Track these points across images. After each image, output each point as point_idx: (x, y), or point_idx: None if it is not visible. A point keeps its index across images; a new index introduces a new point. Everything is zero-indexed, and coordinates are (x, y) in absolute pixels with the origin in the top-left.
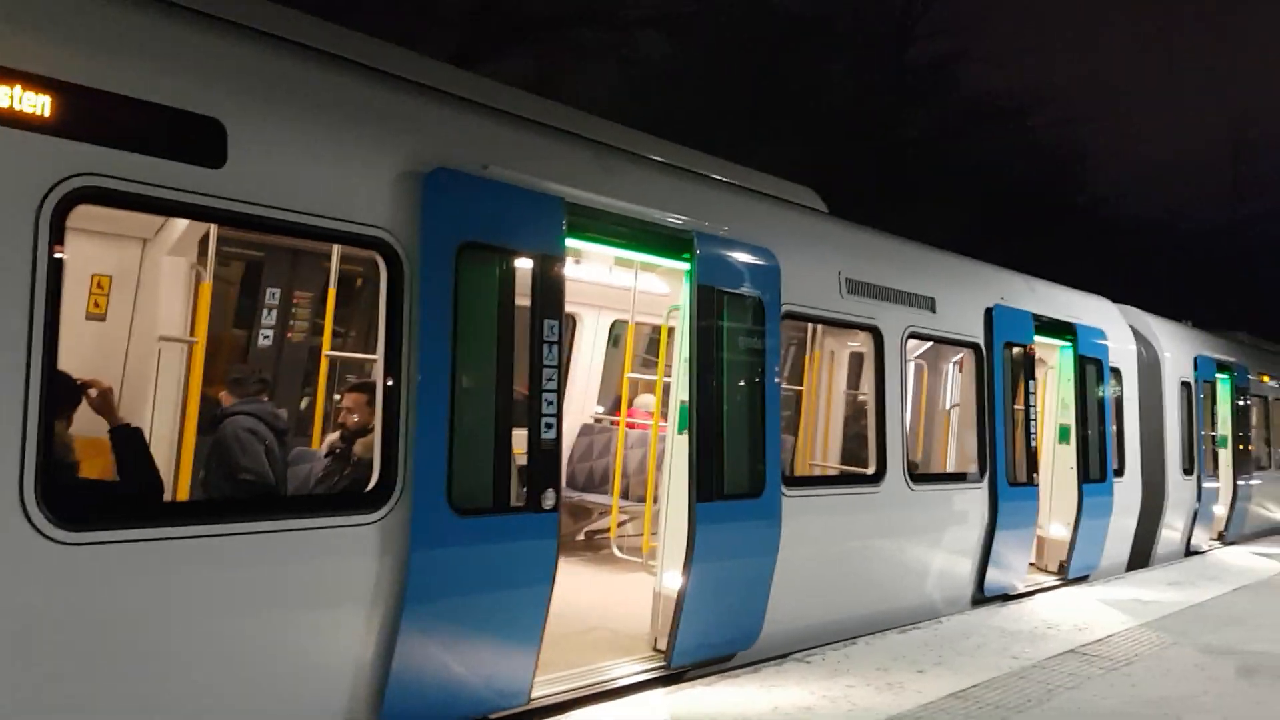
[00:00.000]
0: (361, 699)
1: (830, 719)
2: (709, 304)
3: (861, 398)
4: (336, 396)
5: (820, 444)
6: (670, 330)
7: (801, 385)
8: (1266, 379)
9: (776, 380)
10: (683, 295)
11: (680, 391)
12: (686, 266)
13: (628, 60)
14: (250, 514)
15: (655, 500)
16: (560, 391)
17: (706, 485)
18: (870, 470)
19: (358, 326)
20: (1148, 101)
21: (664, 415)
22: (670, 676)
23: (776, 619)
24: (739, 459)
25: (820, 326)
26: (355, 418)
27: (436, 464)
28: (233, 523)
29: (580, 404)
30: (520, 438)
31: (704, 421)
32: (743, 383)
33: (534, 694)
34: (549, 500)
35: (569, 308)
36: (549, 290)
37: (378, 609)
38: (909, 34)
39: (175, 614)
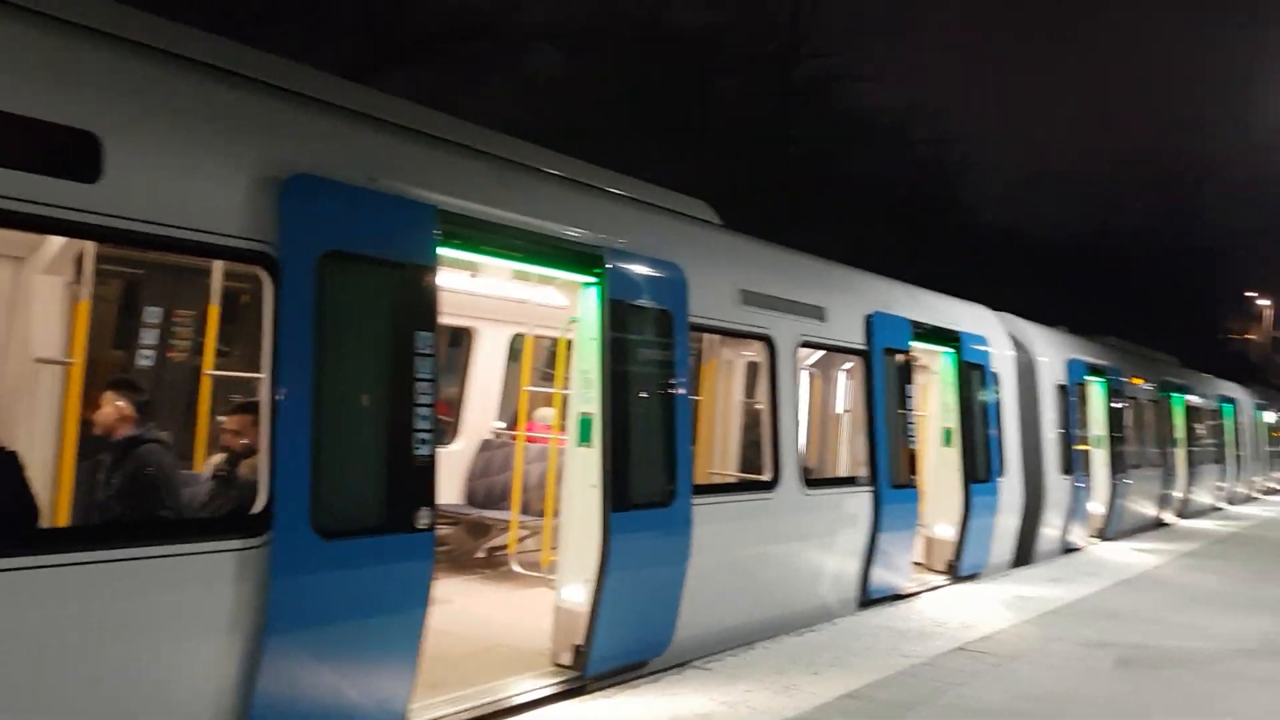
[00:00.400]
0: None
1: None
2: (621, 318)
3: (757, 406)
4: (220, 418)
5: (718, 452)
6: (569, 343)
7: (699, 395)
8: (1139, 381)
9: (685, 391)
10: (584, 308)
11: (580, 404)
12: (592, 280)
13: (521, 75)
14: (123, 540)
15: (556, 514)
16: (434, 405)
17: (621, 495)
18: (767, 477)
19: (243, 345)
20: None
21: (564, 428)
22: (570, 691)
23: (687, 625)
24: (652, 469)
25: (716, 337)
26: (241, 440)
27: (298, 485)
28: (104, 549)
29: (479, 419)
30: (392, 454)
31: (618, 433)
32: (654, 394)
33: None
34: (424, 520)
35: (466, 322)
36: (421, 301)
37: (238, 640)
38: (795, 53)
39: (45, 643)
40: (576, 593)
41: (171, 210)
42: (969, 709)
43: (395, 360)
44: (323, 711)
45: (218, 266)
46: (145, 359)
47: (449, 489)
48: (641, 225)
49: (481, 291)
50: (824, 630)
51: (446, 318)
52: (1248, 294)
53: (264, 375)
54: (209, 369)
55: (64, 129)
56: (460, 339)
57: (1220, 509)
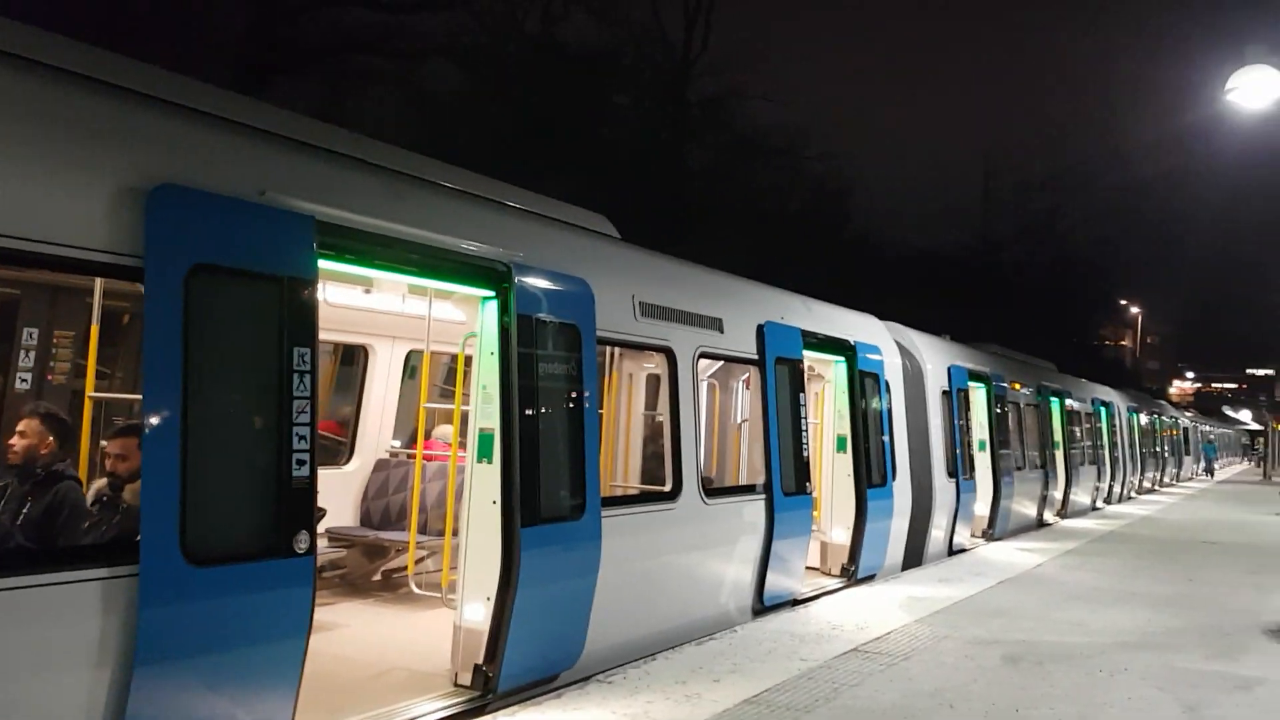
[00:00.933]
0: None
1: None
2: (526, 332)
3: (658, 417)
4: (104, 442)
5: (622, 464)
6: (468, 359)
7: (601, 408)
8: (1018, 386)
9: (594, 406)
10: (484, 323)
11: (480, 420)
12: (491, 294)
13: (417, 90)
14: None
15: (455, 533)
16: (314, 424)
17: (530, 511)
18: (668, 487)
19: (126, 366)
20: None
21: (463, 445)
22: (471, 711)
23: (596, 638)
24: (561, 483)
25: (617, 349)
26: (124, 464)
27: (166, 511)
28: None
29: (375, 438)
30: (267, 476)
31: (525, 448)
32: (562, 408)
33: None
34: (302, 544)
35: (360, 339)
36: (299, 316)
37: (106, 672)
38: (690, 71)
39: None
40: (477, 611)
41: (32, 223)
42: (863, 709)
43: (270, 378)
44: None
45: (99, 284)
46: (22, 382)
47: (343, 511)
48: (543, 239)
49: (376, 307)
50: (724, 638)
51: (339, 335)
52: (1121, 302)
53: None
54: (91, 391)
55: None
56: (354, 357)
57: (1098, 508)
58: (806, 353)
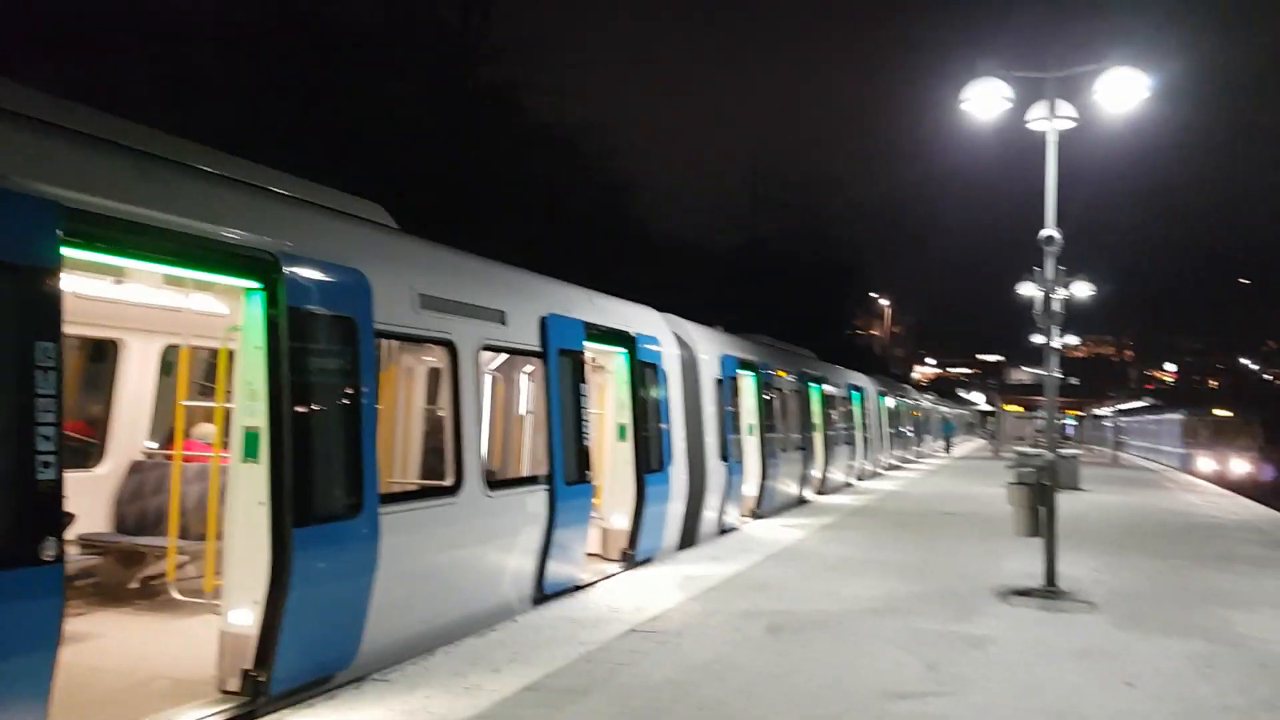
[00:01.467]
0: None
1: None
2: (297, 325)
3: (440, 412)
4: None
5: (403, 460)
6: (231, 353)
7: (379, 403)
8: (783, 374)
9: (371, 401)
10: (248, 316)
11: (245, 417)
12: (257, 285)
13: (179, 72)
14: None
15: (219, 536)
16: (59, 424)
17: (302, 511)
18: (450, 481)
19: None
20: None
21: (226, 444)
22: (240, 717)
23: (374, 636)
24: (337, 482)
25: (397, 343)
26: None
27: None
28: None
29: (129, 439)
30: (7, 480)
31: (298, 447)
32: (337, 405)
33: None
34: (49, 551)
35: (111, 333)
36: (41, 308)
37: None
38: (470, 59)
39: None
40: (245, 616)
41: None
42: (639, 686)
43: (10, 374)
44: None
45: None
46: None
47: (95, 516)
48: (315, 228)
49: (128, 299)
50: (505, 628)
51: (87, 328)
52: (871, 295)
53: None
54: None
55: None
56: (104, 352)
57: (852, 485)
58: (588, 344)
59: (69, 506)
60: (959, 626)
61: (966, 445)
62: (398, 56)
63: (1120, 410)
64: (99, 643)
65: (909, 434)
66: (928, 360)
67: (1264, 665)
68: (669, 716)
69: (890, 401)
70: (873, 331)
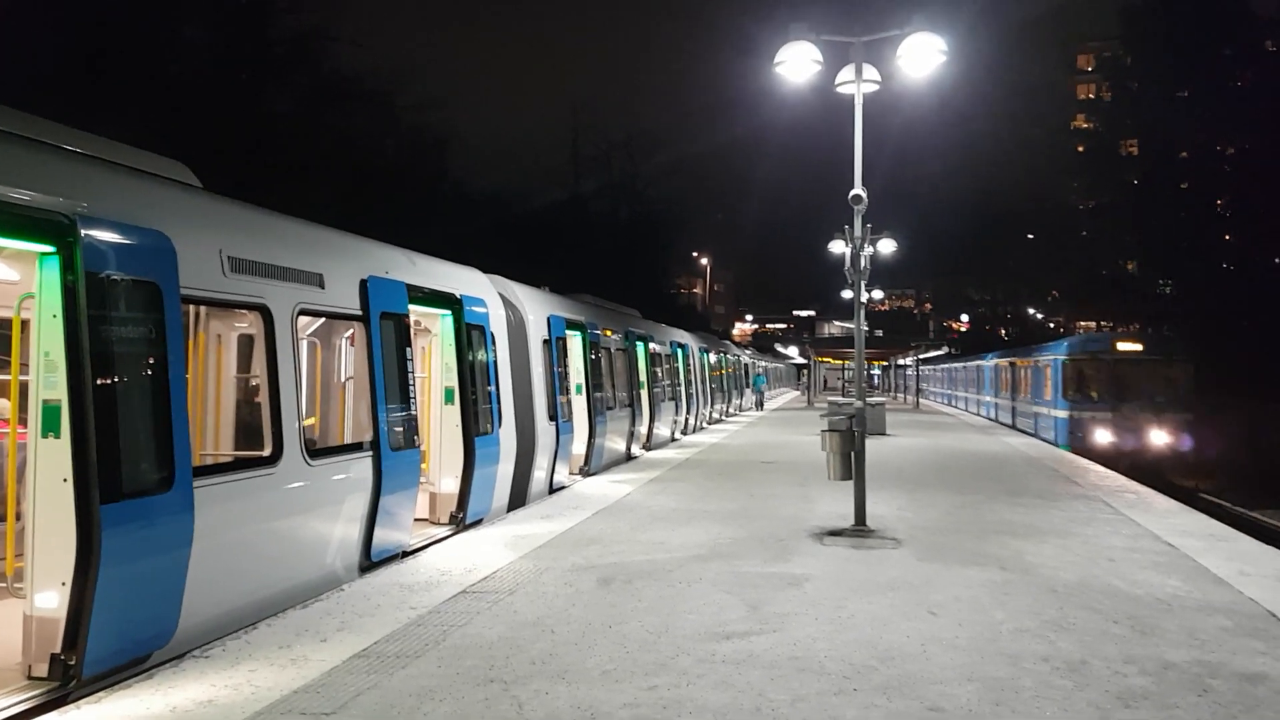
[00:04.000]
0: None
1: (231, 707)
2: (96, 292)
3: (255, 380)
4: None
5: (216, 430)
6: (24, 323)
7: (190, 372)
8: (609, 333)
9: (180, 369)
10: (44, 282)
11: (44, 390)
12: (51, 250)
13: None
14: None
15: (19, 517)
16: None
17: (110, 486)
18: (268, 451)
19: None
20: (499, 88)
21: (24, 419)
22: (51, 703)
23: (192, 612)
24: (146, 455)
25: (206, 309)
26: None
27: None
28: None
29: None
30: None
31: (103, 419)
32: (143, 375)
33: None
34: None
35: None
36: None
37: None
38: (267, 7)
39: None
40: (50, 598)
41: None
42: (471, 646)
43: None
44: None
45: None
46: None
47: None
48: (113, 188)
49: None
50: (331, 597)
51: None
52: (693, 253)
53: None
54: None
55: None
56: None
57: (677, 439)
58: (413, 307)
59: None
60: (778, 568)
61: (783, 397)
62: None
63: (921, 360)
64: None
65: (730, 388)
66: (747, 316)
67: (1053, 591)
68: (503, 673)
69: (711, 357)
70: (694, 289)
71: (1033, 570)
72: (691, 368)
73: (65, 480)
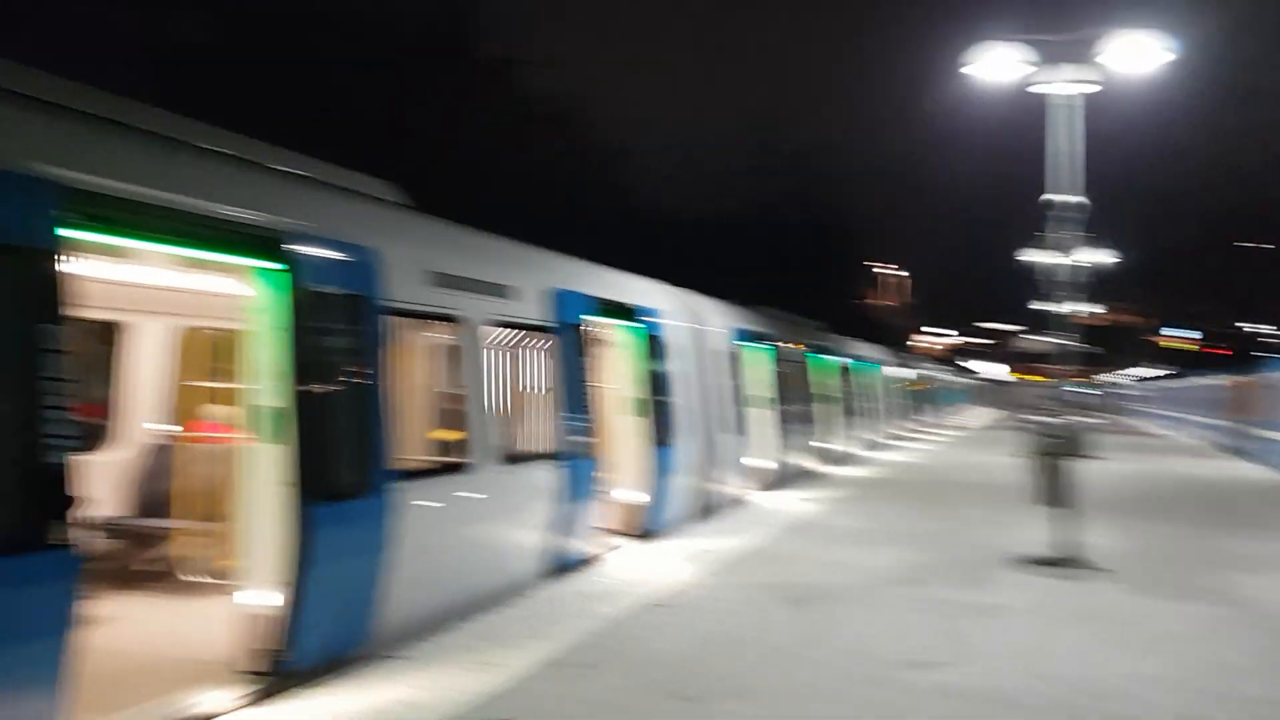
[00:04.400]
0: None
1: (429, 709)
2: (311, 305)
3: (451, 388)
4: None
5: (416, 436)
6: (245, 334)
7: (394, 380)
8: (795, 346)
9: (385, 379)
10: (267, 296)
11: (265, 398)
12: (275, 266)
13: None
14: None
15: (234, 517)
16: (68, 407)
17: (318, 489)
18: (462, 458)
19: None
20: (681, 101)
21: (243, 424)
22: (259, 696)
23: (389, 612)
24: (352, 459)
25: (409, 320)
26: None
27: None
28: None
29: (139, 421)
30: (15, 464)
31: (314, 425)
32: (350, 383)
33: None
34: (60, 535)
35: (118, 315)
36: (44, 290)
37: None
38: (469, 35)
39: None
40: (263, 596)
41: None
42: (657, 660)
43: (15, 357)
44: None
45: None
46: None
47: (108, 498)
48: (327, 207)
49: (140, 281)
50: (518, 603)
51: (96, 311)
52: (882, 266)
53: None
54: None
55: None
56: (113, 334)
57: (864, 456)
58: (596, 318)
59: (81, 490)
60: (973, 595)
61: (977, 416)
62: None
63: (1143, 379)
64: (115, 626)
65: (919, 405)
66: (931, 329)
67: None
68: (690, 689)
69: (899, 372)
70: (876, 301)
71: (1256, 606)
72: (877, 382)
73: (279, 482)
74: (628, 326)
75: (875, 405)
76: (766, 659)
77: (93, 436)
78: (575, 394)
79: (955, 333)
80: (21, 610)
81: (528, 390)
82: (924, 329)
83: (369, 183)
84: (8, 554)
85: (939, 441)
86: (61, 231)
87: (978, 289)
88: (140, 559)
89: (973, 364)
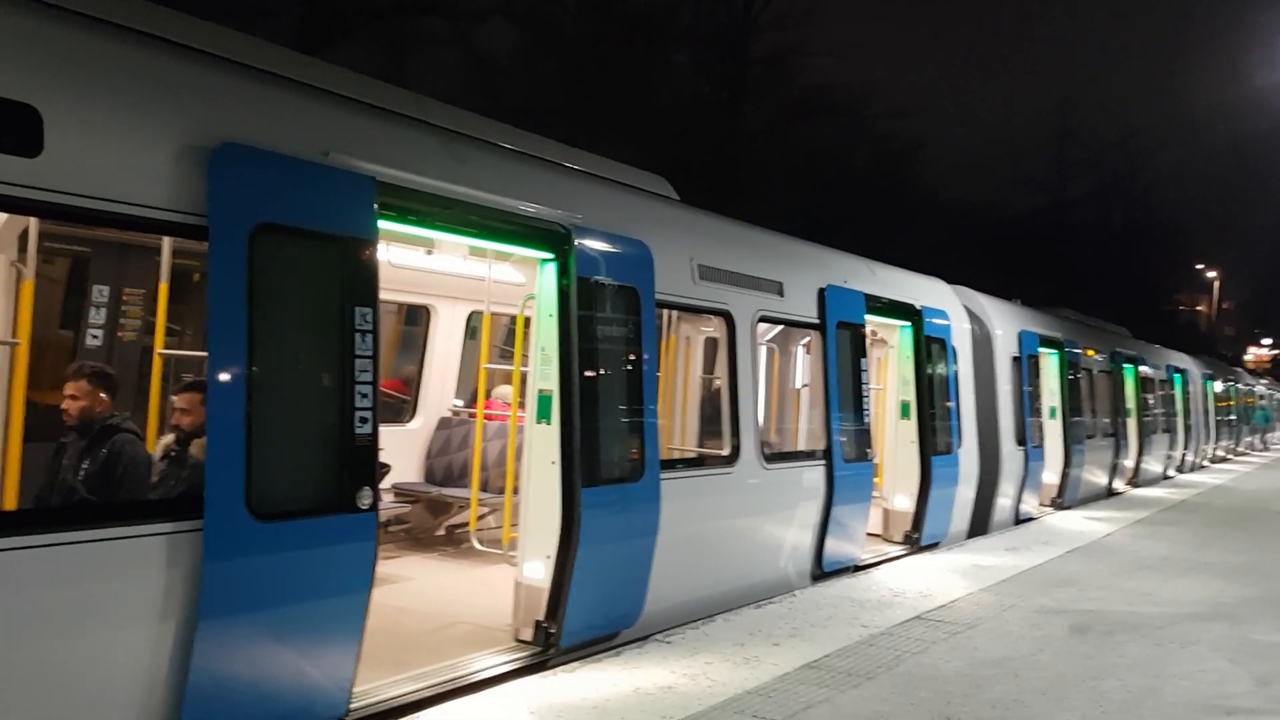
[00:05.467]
0: (154, 711)
1: (689, 696)
2: (585, 294)
3: (717, 382)
4: (172, 397)
5: (680, 428)
6: (527, 320)
7: (660, 371)
8: (1091, 353)
9: (653, 368)
10: (543, 285)
11: (539, 381)
12: (550, 256)
13: (472, 50)
14: (63, 523)
15: (516, 491)
16: (375, 383)
17: (589, 471)
18: (727, 451)
19: (197, 324)
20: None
21: (522, 406)
22: (532, 666)
23: (655, 598)
24: (622, 445)
25: (675, 312)
26: (189, 418)
27: (232, 464)
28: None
29: (438, 397)
30: (329, 434)
31: (584, 409)
32: (620, 371)
33: (359, 702)
34: (365, 500)
35: (424, 299)
36: (359, 275)
37: (170, 627)
38: (751, 26)
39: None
40: (537, 569)
41: (100, 182)
42: (927, 676)
43: (333, 337)
44: (259, 695)
45: (166, 242)
46: (94, 339)
47: (408, 467)
48: (602, 201)
49: (438, 269)
50: (783, 602)
51: (403, 295)
52: (1197, 266)
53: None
54: (160, 348)
55: (4, 102)
56: (418, 317)
57: (1170, 477)
58: (870, 317)
59: (385, 458)
60: None
61: None
62: (680, 30)
63: None
64: (407, 585)
65: (1241, 423)
66: (1265, 340)
67: None
68: (960, 711)
69: (1218, 386)
70: (1197, 308)
71: None
72: (1191, 396)
73: (553, 463)
74: (905, 326)
75: (1188, 421)
76: (1047, 689)
77: (400, 410)
78: (845, 394)
79: (1271, 342)
80: (331, 566)
81: (798, 389)
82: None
83: (642, 176)
84: (324, 514)
85: (1262, 464)
86: (377, 222)
87: None
88: (435, 524)
89: None
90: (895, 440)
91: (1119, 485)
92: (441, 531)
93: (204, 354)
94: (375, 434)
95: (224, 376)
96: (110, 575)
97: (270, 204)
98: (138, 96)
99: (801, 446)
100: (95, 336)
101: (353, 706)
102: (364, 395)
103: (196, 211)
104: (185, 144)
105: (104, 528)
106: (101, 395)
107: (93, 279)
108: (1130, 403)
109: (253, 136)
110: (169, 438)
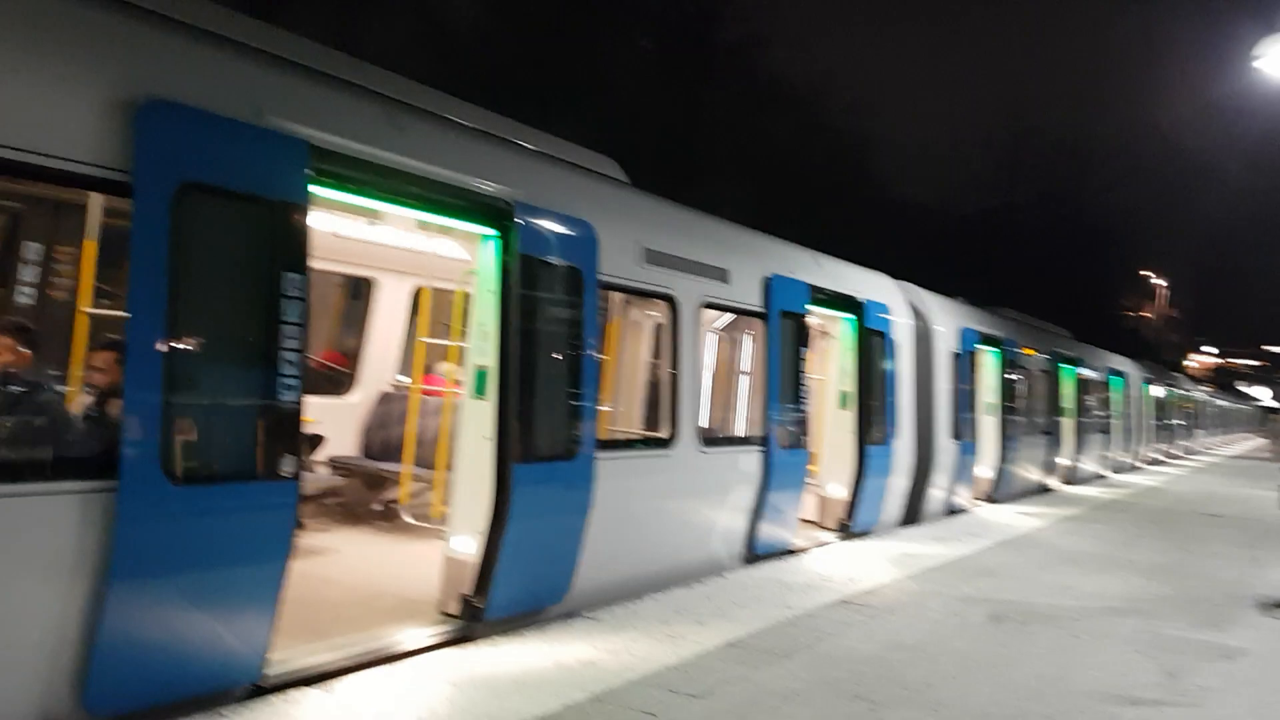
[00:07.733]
0: (58, 679)
1: (609, 671)
2: (527, 272)
3: (658, 366)
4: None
5: (619, 410)
6: (467, 296)
7: (604, 353)
8: (1031, 352)
9: (593, 349)
10: (483, 261)
11: (476, 357)
12: (491, 233)
13: (430, 21)
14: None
15: (449, 467)
16: (301, 351)
17: (523, 448)
18: (665, 434)
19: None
20: (930, 92)
21: (461, 381)
22: (456, 639)
23: (585, 575)
24: (558, 423)
25: (618, 295)
26: (105, 378)
27: (148, 426)
28: None
29: (378, 371)
30: (250, 400)
31: (522, 386)
32: (560, 350)
33: (276, 669)
34: (287, 468)
35: (365, 272)
36: (289, 241)
37: (81, 586)
38: (716, 15)
39: None
40: (466, 544)
41: (22, 134)
42: (843, 657)
43: (257, 301)
44: (171, 659)
45: (93, 198)
46: (24, 297)
47: (345, 440)
48: (548, 179)
49: (383, 241)
50: (712, 583)
51: (345, 266)
52: (1143, 272)
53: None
54: (86, 307)
55: None
56: (361, 290)
57: (1105, 476)
58: (813, 308)
59: (322, 430)
60: (1208, 635)
61: (1244, 444)
62: (645, 13)
63: None
64: (336, 557)
65: (1176, 427)
66: (1206, 348)
67: None
68: (872, 692)
69: (1156, 391)
70: (1142, 313)
71: None
72: (1129, 399)
73: (487, 438)
74: (848, 318)
75: (1126, 423)
76: (958, 673)
77: (338, 382)
78: (784, 383)
79: (1239, 354)
80: (249, 532)
81: (737, 375)
82: (1204, 348)
83: (590, 157)
84: (243, 480)
85: (1195, 468)
86: (309, 187)
87: (1270, 308)
88: (370, 498)
89: (1255, 389)
90: (833, 429)
91: (1053, 483)
92: (377, 506)
93: (117, 314)
94: (299, 402)
95: (142, 337)
96: (19, 532)
97: (197, 163)
98: (63, 46)
99: (739, 432)
100: (25, 295)
101: (268, 673)
102: (290, 363)
103: (122, 168)
104: (111, 98)
105: (16, 483)
106: (21, 350)
107: (22, 235)
108: (1068, 402)
109: (182, 93)
110: (87, 397)
